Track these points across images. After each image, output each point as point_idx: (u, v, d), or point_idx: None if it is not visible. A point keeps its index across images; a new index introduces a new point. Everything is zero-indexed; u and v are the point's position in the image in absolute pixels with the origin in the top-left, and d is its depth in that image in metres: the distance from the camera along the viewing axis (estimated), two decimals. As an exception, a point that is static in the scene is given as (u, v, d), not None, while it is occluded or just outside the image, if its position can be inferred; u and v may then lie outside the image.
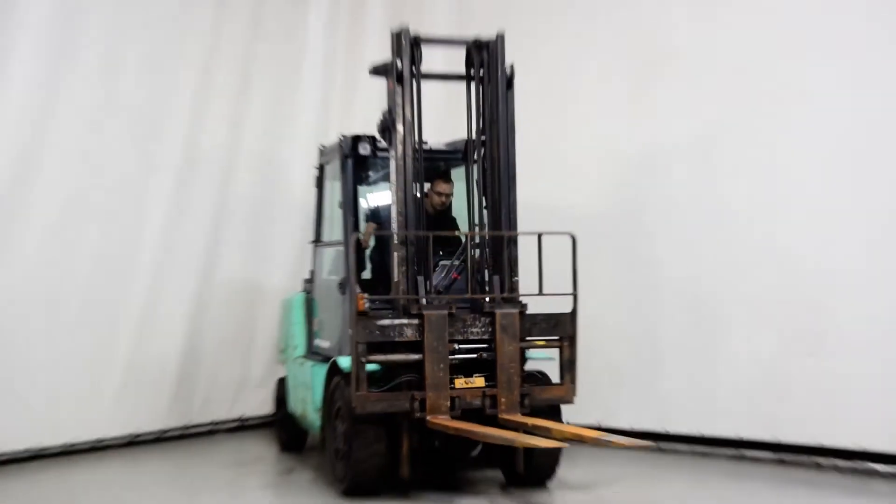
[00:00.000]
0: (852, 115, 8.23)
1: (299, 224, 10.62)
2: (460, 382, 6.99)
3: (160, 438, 9.80)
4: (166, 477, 8.64)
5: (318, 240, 9.04)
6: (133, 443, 9.55)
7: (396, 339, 6.90)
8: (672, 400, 9.24)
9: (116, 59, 9.32)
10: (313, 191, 9.26)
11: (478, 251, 7.68)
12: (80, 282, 9.06)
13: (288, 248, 10.86)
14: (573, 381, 7.31)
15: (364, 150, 7.90)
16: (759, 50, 8.80)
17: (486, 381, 7.06)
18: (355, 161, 7.96)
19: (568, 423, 7.07)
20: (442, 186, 7.91)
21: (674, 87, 9.30)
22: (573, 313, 7.30)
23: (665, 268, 9.34)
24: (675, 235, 9.28)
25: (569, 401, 7.36)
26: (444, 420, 6.73)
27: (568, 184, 9.70)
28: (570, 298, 7.26)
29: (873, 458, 8.10)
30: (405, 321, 6.94)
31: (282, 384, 9.62)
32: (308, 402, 8.25)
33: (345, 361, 7.09)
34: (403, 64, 7.21)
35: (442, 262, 7.74)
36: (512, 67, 7.47)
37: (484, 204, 7.63)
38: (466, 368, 7.10)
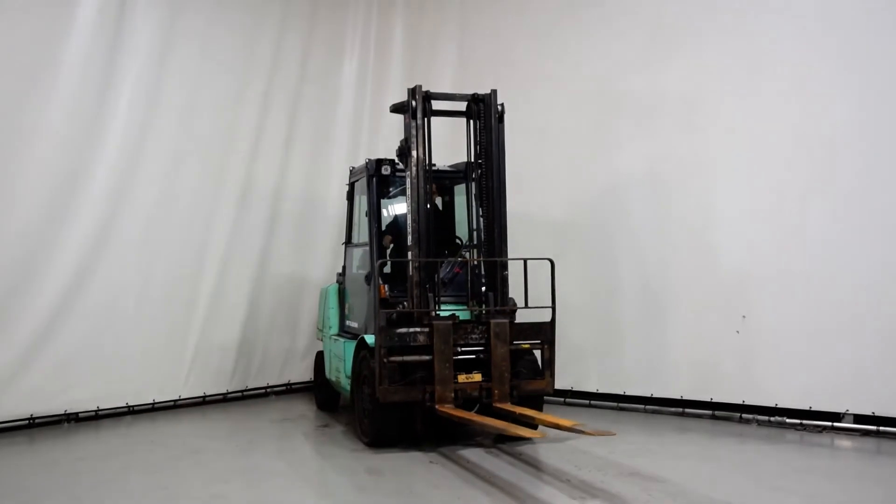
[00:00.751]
0: (768, 147, 8.31)
1: (332, 230, 10.63)
2: (462, 377, 6.99)
3: (224, 398, 9.85)
4: (229, 429, 8.64)
5: (348, 241, 9.02)
6: (203, 402, 9.61)
7: (412, 344, 6.94)
8: (629, 368, 9.22)
9: (194, 103, 9.37)
10: (345, 204, 9.24)
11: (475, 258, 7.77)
12: (163, 276, 9.15)
13: (324, 250, 10.79)
14: (552, 375, 7.29)
15: (385, 170, 7.94)
16: (693, 93, 8.79)
17: (482, 376, 7.05)
18: (378, 179, 7.98)
19: (549, 414, 6.89)
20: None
21: (626, 122, 9.26)
22: (552, 322, 7.26)
23: (622, 264, 9.30)
24: (630, 239, 9.24)
25: (549, 392, 7.37)
26: (449, 409, 6.75)
27: (546, 196, 9.64)
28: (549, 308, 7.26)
29: (784, 413, 8.15)
30: (418, 329, 6.98)
31: (320, 357, 9.56)
32: (341, 370, 8.26)
33: (370, 339, 7.17)
34: (417, 107, 7.26)
35: (448, 259, 7.80)
36: (503, 105, 7.52)
37: (480, 213, 7.63)
38: (467, 366, 7.07)
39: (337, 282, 9.26)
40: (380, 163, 7.93)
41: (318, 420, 8.85)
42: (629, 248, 9.27)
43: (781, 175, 8.23)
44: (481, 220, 7.64)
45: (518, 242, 7.84)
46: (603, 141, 9.44)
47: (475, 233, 7.82)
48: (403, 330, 6.96)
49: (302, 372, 10.68)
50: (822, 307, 7.96)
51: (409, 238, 7.22)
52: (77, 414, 8.44)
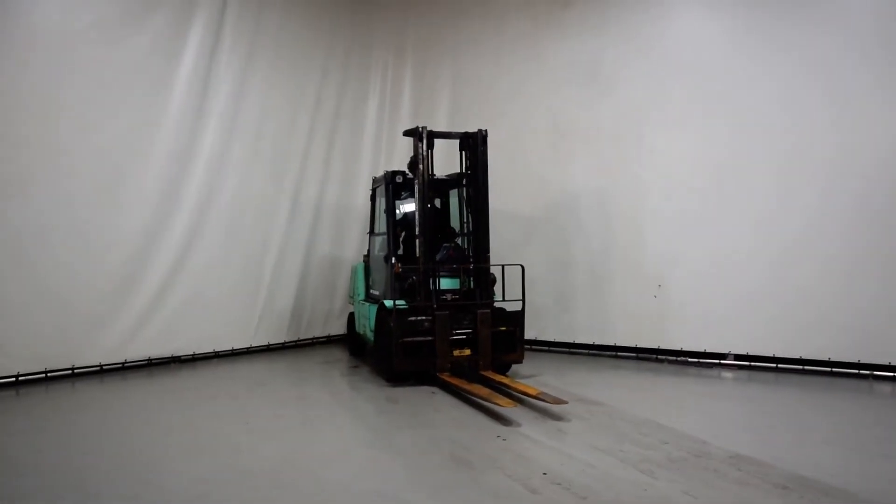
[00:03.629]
0: (676, 163, 8.42)
1: (359, 224, 10.57)
2: (456, 352, 7.01)
3: (283, 346, 9.84)
4: (286, 368, 8.59)
5: (371, 232, 8.95)
6: (268, 349, 9.64)
7: (419, 329, 6.96)
8: (577, 323, 9.26)
9: (260, 132, 9.39)
10: (368, 204, 9.17)
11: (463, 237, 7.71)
12: (240, 257, 9.22)
13: (352, 238, 10.66)
14: (522, 349, 7.31)
15: (399, 179, 7.85)
16: (622, 123, 8.87)
17: (471, 351, 7.06)
18: (394, 186, 7.92)
19: (520, 382, 6.64)
20: None
21: (573, 144, 9.27)
22: (522, 311, 7.28)
23: (573, 247, 9.28)
24: (579, 229, 9.23)
25: (519, 362, 7.36)
26: (447, 377, 6.74)
27: (519, 199, 9.55)
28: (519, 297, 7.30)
29: (686, 355, 8.38)
30: (424, 318, 6.97)
31: (351, 316, 9.53)
32: (367, 326, 8.27)
33: (389, 303, 7.15)
34: (423, 139, 7.28)
35: (444, 245, 7.70)
36: (486, 131, 7.47)
37: (468, 211, 7.68)
38: (460, 344, 7.06)
39: (363, 261, 9.23)
40: (394, 174, 7.89)
41: (351, 363, 8.77)
42: (578, 235, 9.22)
43: (686, 184, 8.36)
44: (469, 216, 7.66)
45: (499, 230, 7.80)
46: (557, 158, 9.42)
47: (465, 225, 7.84)
48: (413, 318, 6.96)
49: (338, 327, 10.58)
50: (713, 281, 8.15)
51: (417, 228, 7.28)
52: (180, 357, 8.55)
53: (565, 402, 5.78)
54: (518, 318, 7.31)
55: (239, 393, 7.06)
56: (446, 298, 7.33)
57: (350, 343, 9.58)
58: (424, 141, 7.33)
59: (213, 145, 8.81)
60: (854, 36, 7.26)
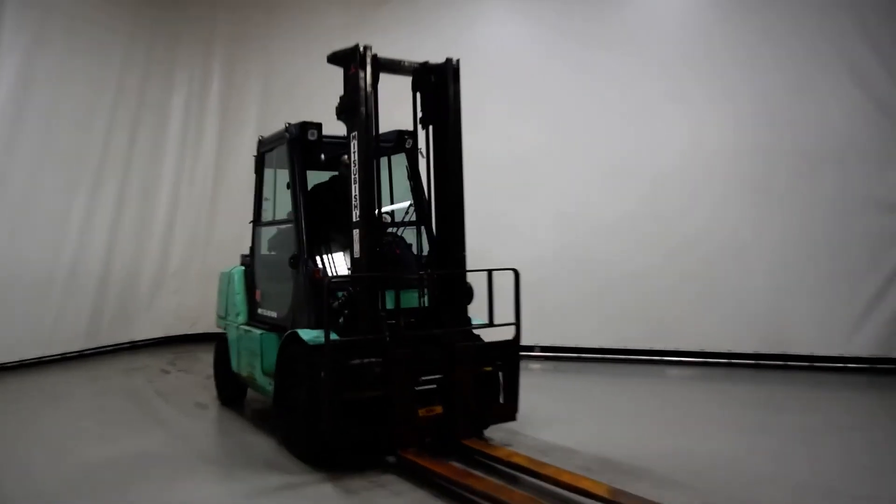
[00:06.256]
0: (488, 164, 8.04)
1: (166, 214, 9.98)
2: (422, 411, 4.53)
3: (80, 355, 8.90)
4: (86, 378, 7.71)
5: (258, 220, 6.01)
6: (63, 358, 8.64)
7: (367, 377, 4.35)
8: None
9: (51, 127, 8.40)
10: (177, 195, 9.48)
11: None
12: (29, 261, 8.22)
13: (159, 233, 9.92)
14: (515, 401, 4.90)
15: (312, 135, 5.12)
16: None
17: (443, 407, 4.61)
18: (303, 146, 5.14)
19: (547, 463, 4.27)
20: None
21: None
22: (516, 340, 4.91)
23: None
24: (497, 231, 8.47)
25: (512, 419, 4.92)
26: (418, 458, 4.25)
27: None
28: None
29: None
30: (373, 359, 4.39)
31: (222, 345, 6.35)
32: (256, 366, 5.42)
33: (306, 335, 4.49)
34: (367, 61, 4.55)
35: (385, 238, 5.03)
36: (458, 61, 4.87)
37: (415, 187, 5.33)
38: (426, 396, 4.59)
39: (242, 264, 6.20)
40: (305, 126, 5.12)
41: (157, 368, 8.16)
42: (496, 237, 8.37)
43: (495, 183, 8.27)
44: (417, 193, 5.27)
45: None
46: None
47: (419, 208, 5.30)
48: (356, 361, 4.34)
49: (142, 332, 9.73)
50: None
51: (356, 211, 4.52)
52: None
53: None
54: (510, 350, 4.90)
55: (32, 409, 6.33)
56: (399, 324, 4.66)
57: (221, 386, 6.54)
58: (368, 70, 4.57)
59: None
60: (651, 49, 8.02)
